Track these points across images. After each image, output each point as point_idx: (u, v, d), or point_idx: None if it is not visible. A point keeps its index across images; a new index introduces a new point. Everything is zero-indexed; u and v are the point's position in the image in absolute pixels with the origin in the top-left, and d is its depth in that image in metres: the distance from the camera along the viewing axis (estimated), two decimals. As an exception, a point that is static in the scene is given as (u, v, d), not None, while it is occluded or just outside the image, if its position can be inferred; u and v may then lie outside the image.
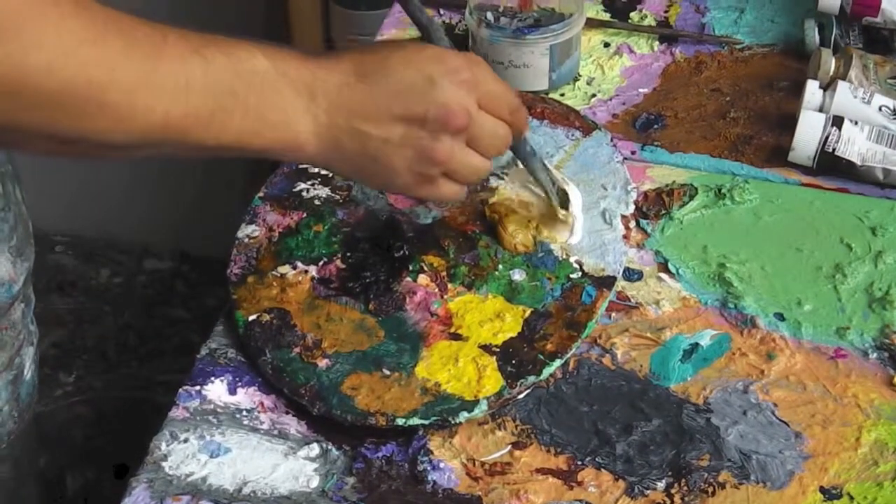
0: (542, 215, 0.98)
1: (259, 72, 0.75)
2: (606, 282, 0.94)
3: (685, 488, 0.83)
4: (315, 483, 0.83)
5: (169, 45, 0.71)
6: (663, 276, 0.98)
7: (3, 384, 0.97)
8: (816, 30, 1.19)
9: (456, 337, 0.90)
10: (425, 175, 0.83)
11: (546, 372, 0.88)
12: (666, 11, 1.27)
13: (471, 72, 0.82)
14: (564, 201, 0.98)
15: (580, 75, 1.19)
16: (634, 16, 1.26)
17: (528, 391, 0.88)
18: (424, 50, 0.83)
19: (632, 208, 1.01)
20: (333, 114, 0.78)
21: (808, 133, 1.06)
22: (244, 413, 0.88)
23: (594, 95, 1.17)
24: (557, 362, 0.89)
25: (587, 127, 1.08)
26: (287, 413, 0.88)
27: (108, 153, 0.73)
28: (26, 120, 0.67)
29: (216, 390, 0.89)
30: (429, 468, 0.84)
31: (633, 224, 1.01)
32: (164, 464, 0.84)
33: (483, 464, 0.85)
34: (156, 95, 0.70)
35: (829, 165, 1.06)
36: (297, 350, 0.90)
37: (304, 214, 1.00)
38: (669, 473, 0.84)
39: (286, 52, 0.78)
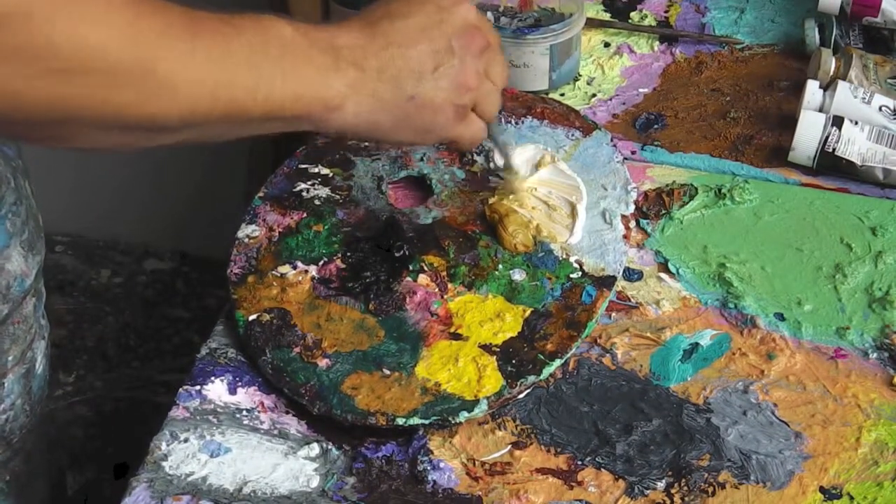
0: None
1: (286, 37, 0.76)
2: (606, 282, 0.94)
3: (685, 488, 0.83)
4: (315, 483, 0.83)
5: (202, 21, 0.72)
6: (663, 275, 0.98)
7: (16, 378, 0.97)
8: (816, 30, 1.19)
9: (456, 337, 0.90)
10: (462, 107, 0.85)
11: (546, 372, 0.88)
12: (666, 11, 1.27)
13: (465, 3, 0.85)
14: (508, 170, 1.00)
15: (580, 75, 1.19)
16: (635, 16, 1.27)
17: (528, 391, 0.89)
18: None
19: (632, 208, 1.01)
20: (362, 64, 0.80)
21: (809, 133, 1.06)
22: (244, 413, 0.88)
23: (594, 95, 1.17)
24: (557, 362, 0.89)
25: (587, 127, 1.08)
26: (287, 413, 0.88)
27: (157, 136, 0.74)
28: (82, 103, 0.68)
29: (216, 390, 0.89)
30: (429, 468, 0.84)
31: (633, 224, 1.01)
32: (164, 463, 0.84)
33: (483, 463, 0.85)
34: (202, 68, 0.71)
35: (830, 165, 1.06)
36: (297, 350, 0.90)
37: (305, 214, 1.00)
38: (669, 473, 0.84)
39: (299, 20, 0.79)
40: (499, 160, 1.00)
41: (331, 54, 0.79)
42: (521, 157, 1.02)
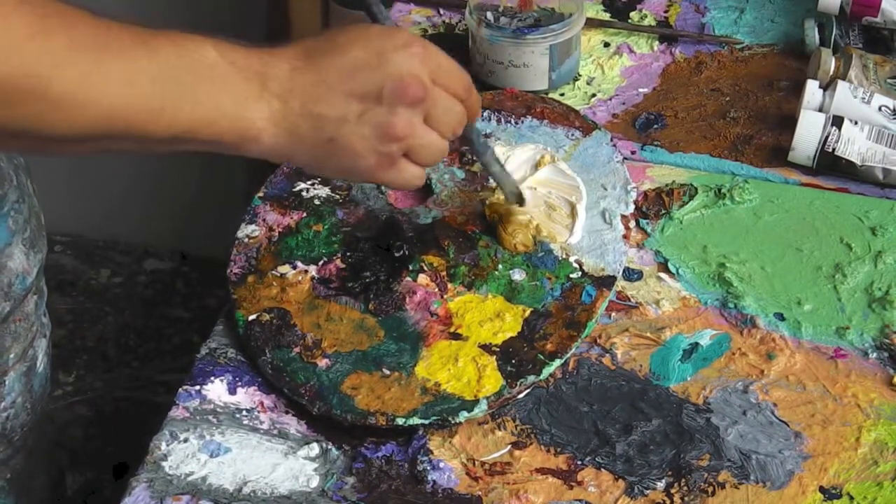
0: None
1: (208, 62, 0.74)
2: (606, 281, 0.94)
3: (685, 488, 0.83)
4: (315, 483, 0.83)
5: (113, 38, 0.70)
6: (663, 275, 0.98)
7: (17, 376, 0.97)
8: (816, 30, 1.19)
9: (456, 337, 0.90)
10: (386, 154, 0.80)
11: (546, 372, 0.88)
12: (666, 11, 1.27)
13: (421, 46, 0.80)
14: (521, 200, 0.97)
15: (580, 75, 1.19)
16: (634, 16, 1.26)
17: (527, 391, 0.89)
18: (370, 28, 0.82)
19: (632, 208, 1.01)
20: (287, 98, 0.77)
21: (808, 133, 1.06)
22: (244, 413, 0.88)
23: (594, 95, 1.17)
24: (557, 362, 0.89)
25: (587, 127, 1.08)
26: (287, 413, 0.88)
27: (53, 147, 0.73)
28: None
29: (216, 390, 0.89)
30: (429, 468, 0.84)
31: (632, 224, 1.01)
32: (164, 463, 0.84)
33: (483, 463, 0.85)
34: (101, 88, 0.70)
35: (829, 165, 1.06)
36: (297, 350, 0.90)
37: (304, 214, 1.00)
38: (669, 473, 0.84)
39: (233, 43, 0.77)
40: (506, 194, 0.96)
41: (256, 83, 0.76)
42: (524, 176, 1.00)
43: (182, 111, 0.73)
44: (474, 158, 1.02)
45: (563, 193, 1.00)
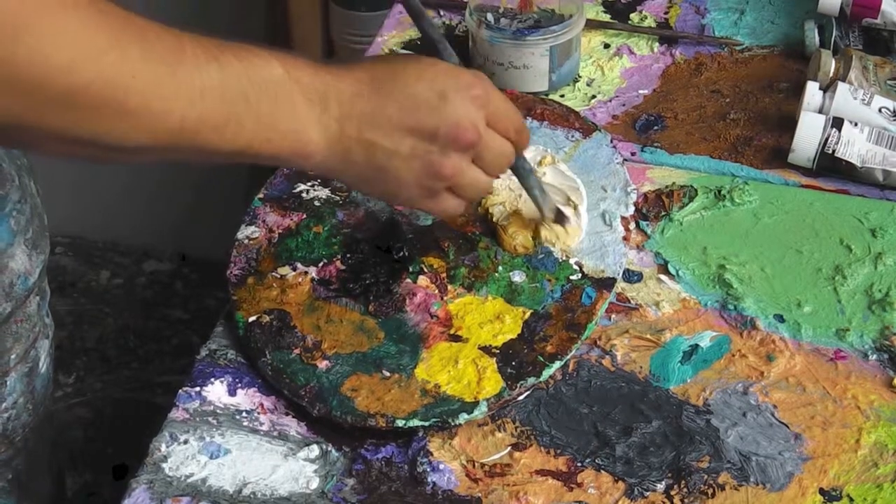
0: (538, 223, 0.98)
1: (273, 79, 0.75)
2: (606, 283, 0.94)
3: (685, 490, 0.83)
4: (315, 484, 0.83)
5: (186, 51, 0.71)
6: (663, 277, 0.98)
7: (19, 377, 0.97)
8: (816, 31, 1.19)
9: (456, 338, 0.90)
10: (430, 189, 0.83)
11: (546, 373, 0.88)
12: (666, 13, 1.27)
13: (482, 89, 0.82)
14: (560, 219, 0.97)
15: (580, 76, 1.19)
16: (634, 17, 1.27)
17: (527, 393, 0.88)
18: (437, 65, 0.83)
19: (632, 210, 1.01)
20: (345, 123, 0.79)
21: (808, 134, 1.06)
22: (244, 414, 0.88)
23: (594, 96, 1.17)
24: (557, 364, 0.89)
25: (587, 128, 1.08)
26: (287, 414, 0.88)
27: (119, 156, 0.74)
28: (42, 119, 0.67)
29: (216, 391, 0.89)
30: (428, 470, 0.84)
31: (632, 225, 1.01)
32: (163, 465, 0.84)
33: (483, 465, 0.85)
34: (172, 100, 0.70)
35: (829, 167, 1.06)
36: (297, 351, 0.90)
37: (304, 216, 1.00)
38: (669, 475, 0.84)
39: (301, 60, 0.78)
40: (546, 214, 0.96)
41: (318, 104, 0.78)
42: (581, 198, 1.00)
43: (244, 127, 0.74)
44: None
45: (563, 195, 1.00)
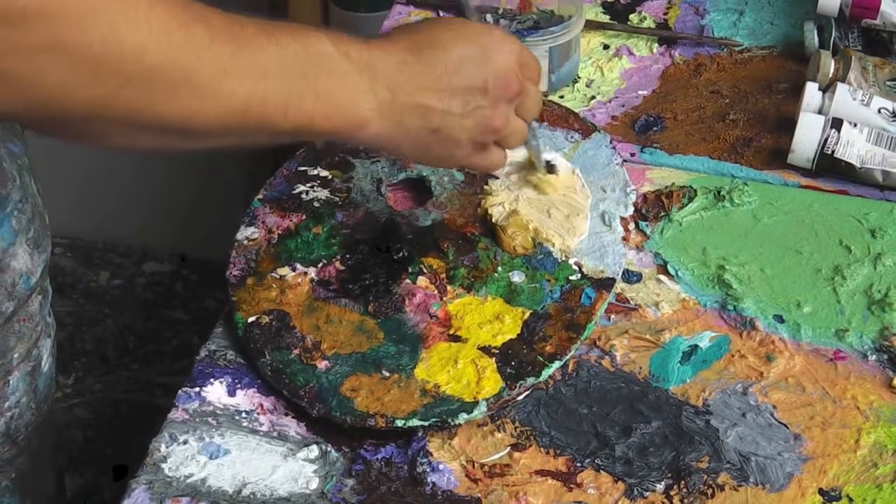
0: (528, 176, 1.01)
1: (326, 55, 0.77)
2: (606, 283, 0.94)
3: (684, 490, 0.83)
4: (314, 485, 0.83)
5: (246, 31, 0.73)
6: (662, 277, 0.98)
7: (22, 376, 0.97)
8: (815, 32, 1.19)
9: (455, 339, 0.90)
10: (482, 144, 0.86)
11: (545, 374, 0.88)
12: (665, 13, 1.27)
13: (514, 42, 0.86)
14: (551, 169, 1.00)
15: (579, 77, 1.19)
16: (634, 18, 1.27)
17: (527, 393, 0.89)
18: (469, 25, 0.87)
19: (631, 210, 1.01)
20: (395, 91, 0.81)
21: (808, 135, 1.06)
22: (243, 415, 0.88)
23: (593, 97, 1.17)
24: (557, 364, 0.89)
25: (586, 129, 1.08)
26: (286, 415, 0.88)
27: (188, 142, 0.75)
28: (117, 106, 0.68)
29: (215, 392, 0.89)
30: (428, 470, 0.84)
31: (632, 226, 1.01)
32: (163, 465, 0.84)
33: (482, 465, 0.85)
34: (238, 79, 0.72)
35: (829, 167, 1.06)
36: (296, 352, 0.90)
37: (304, 216, 1.00)
38: (669, 475, 0.84)
39: (344, 35, 0.80)
40: (537, 162, 1.00)
41: (367, 76, 0.79)
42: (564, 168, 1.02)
43: (305, 104, 0.76)
44: None
45: (573, 198, 1.00)
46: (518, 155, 1.02)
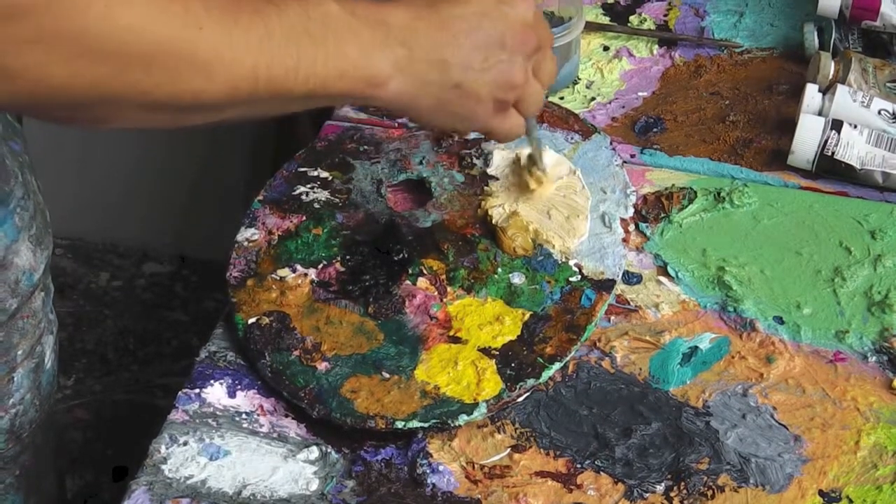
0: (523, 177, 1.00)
1: (331, 14, 0.76)
2: (606, 285, 0.94)
3: (684, 491, 0.83)
4: (314, 486, 0.83)
5: (243, 0, 0.72)
6: (663, 279, 0.98)
7: (25, 373, 0.98)
8: (816, 33, 1.19)
9: (455, 340, 0.90)
10: (502, 101, 0.84)
11: (545, 375, 0.88)
12: (665, 15, 1.27)
13: (527, 1, 0.85)
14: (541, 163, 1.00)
15: (579, 79, 1.19)
16: (634, 19, 1.27)
17: (527, 394, 0.89)
18: None
19: (631, 212, 1.01)
20: (412, 46, 0.79)
21: (808, 136, 1.06)
22: (244, 416, 0.88)
23: (593, 99, 1.17)
24: (557, 365, 0.89)
25: (586, 130, 1.08)
26: (286, 416, 0.88)
27: (199, 116, 0.74)
28: (123, 86, 0.68)
29: (216, 393, 0.89)
30: (428, 471, 0.84)
31: (632, 227, 1.01)
32: (163, 466, 0.84)
33: (482, 467, 0.85)
34: (241, 47, 0.71)
35: (829, 169, 1.06)
36: (296, 353, 0.90)
37: (304, 218, 1.00)
38: (669, 476, 0.84)
39: None
40: (533, 156, 0.99)
41: (381, 30, 0.78)
42: (554, 164, 1.02)
43: (315, 65, 0.75)
44: (476, 155, 1.04)
45: (573, 199, 1.00)
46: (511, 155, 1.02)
